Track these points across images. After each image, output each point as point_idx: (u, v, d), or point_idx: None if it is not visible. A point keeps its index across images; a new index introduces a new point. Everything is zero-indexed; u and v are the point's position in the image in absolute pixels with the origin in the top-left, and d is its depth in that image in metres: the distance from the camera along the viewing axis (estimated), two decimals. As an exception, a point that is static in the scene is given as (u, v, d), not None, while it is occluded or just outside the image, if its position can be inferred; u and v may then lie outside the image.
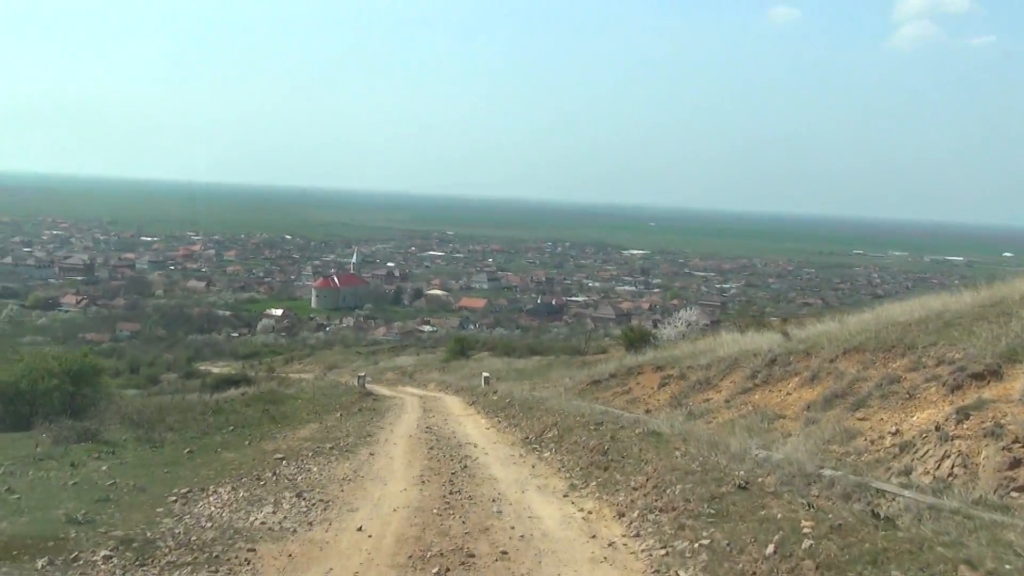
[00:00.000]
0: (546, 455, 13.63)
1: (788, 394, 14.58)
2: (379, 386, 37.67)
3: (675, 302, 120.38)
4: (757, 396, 15.30)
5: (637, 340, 35.54)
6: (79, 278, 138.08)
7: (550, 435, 15.01)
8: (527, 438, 15.73)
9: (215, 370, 54.83)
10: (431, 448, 14.93)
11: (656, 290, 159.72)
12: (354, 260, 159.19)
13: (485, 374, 31.26)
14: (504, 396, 24.04)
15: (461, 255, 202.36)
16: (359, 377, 31.02)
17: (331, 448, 14.52)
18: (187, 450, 13.86)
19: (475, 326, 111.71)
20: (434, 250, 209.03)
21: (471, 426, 19.17)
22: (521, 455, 14.06)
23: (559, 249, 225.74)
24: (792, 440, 10.95)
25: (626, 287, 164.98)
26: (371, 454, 14.17)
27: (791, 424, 12.78)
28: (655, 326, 46.52)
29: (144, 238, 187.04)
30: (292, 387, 31.08)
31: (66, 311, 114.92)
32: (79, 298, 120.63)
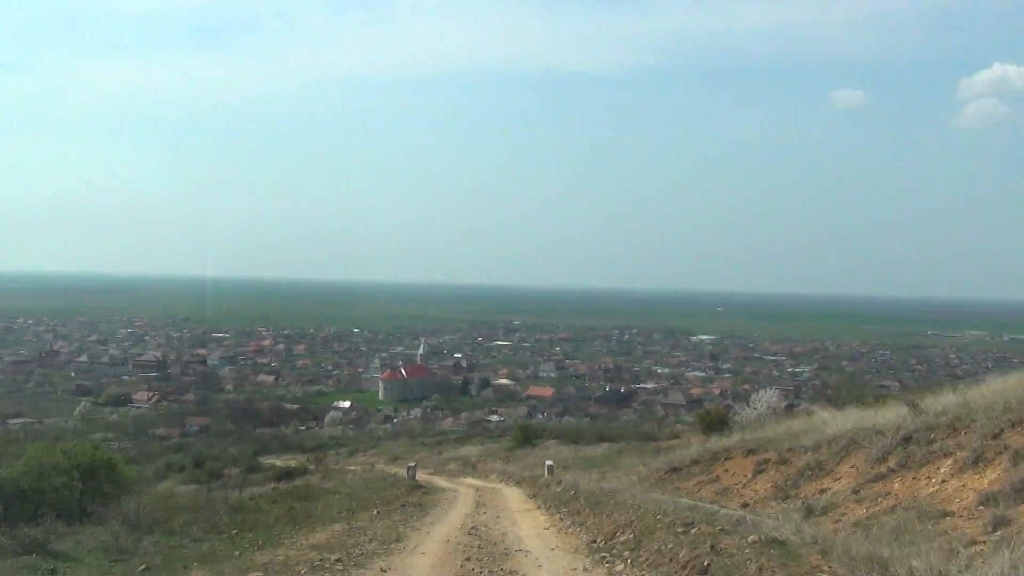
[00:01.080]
0: (619, 569, 10.00)
1: (943, 481, 10.78)
2: (438, 477, 34.56)
3: (746, 387, 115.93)
4: (897, 485, 11.49)
5: (715, 423, 31.56)
6: (152, 374, 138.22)
7: (624, 539, 11.41)
8: (594, 542, 12.16)
9: (279, 463, 52.51)
10: (468, 559, 11.42)
11: (727, 375, 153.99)
12: (421, 351, 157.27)
13: (548, 463, 27.64)
14: (569, 487, 20.49)
15: (528, 344, 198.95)
16: (408, 468, 27.58)
17: (336, 561, 11.10)
18: (143, 567, 10.52)
19: (543, 415, 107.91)
20: (501, 340, 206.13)
21: (527, 525, 15.61)
22: (585, 570, 10.45)
23: (627, 336, 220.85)
24: (988, 553, 7.21)
25: (696, 373, 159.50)
26: (383, 570, 10.68)
27: (967, 525, 9.02)
28: (729, 410, 42.50)
29: (216, 334, 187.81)
30: (337, 479, 27.81)
31: (138, 407, 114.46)
32: (151, 394, 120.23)
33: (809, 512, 10.99)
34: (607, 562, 10.56)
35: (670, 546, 9.57)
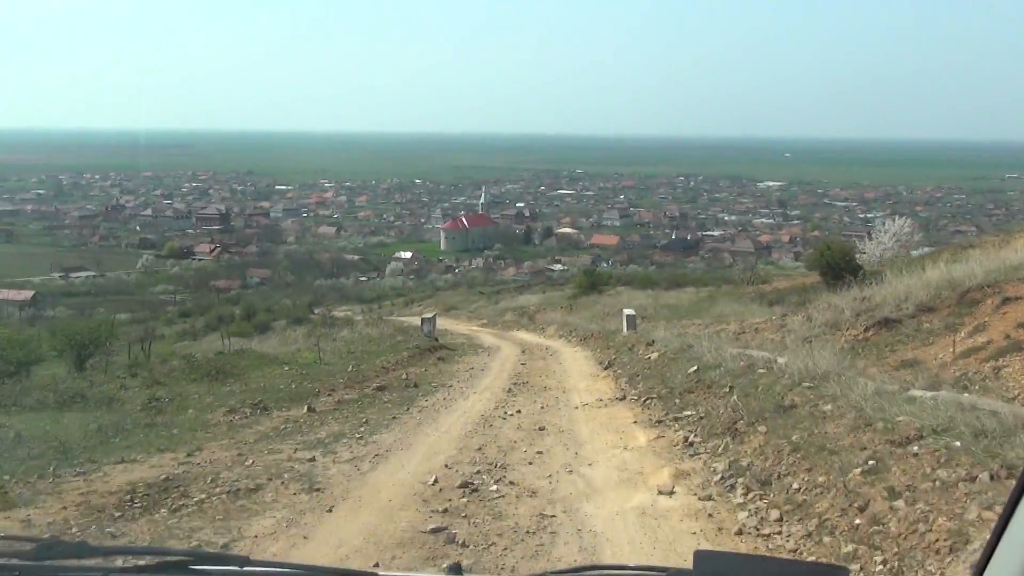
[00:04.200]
0: None
1: None
2: (486, 330, 26.02)
3: (816, 233, 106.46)
4: None
5: (839, 264, 21.05)
6: (215, 227, 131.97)
7: None
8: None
9: (335, 314, 45.62)
10: None
11: (795, 222, 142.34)
12: (482, 201, 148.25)
13: (628, 311, 18.07)
14: (673, 351, 11.04)
15: (591, 193, 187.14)
16: (423, 319, 18.25)
17: None
18: None
19: (608, 263, 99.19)
20: (564, 188, 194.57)
21: (607, 467, 6.14)
22: None
23: (692, 183, 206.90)
24: None
25: (763, 220, 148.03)
26: None
27: None
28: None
29: (279, 187, 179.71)
30: (323, 337, 18.74)
31: (199, 259, 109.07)
32: (213, 246, 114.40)
33: None
34: None
35: None
